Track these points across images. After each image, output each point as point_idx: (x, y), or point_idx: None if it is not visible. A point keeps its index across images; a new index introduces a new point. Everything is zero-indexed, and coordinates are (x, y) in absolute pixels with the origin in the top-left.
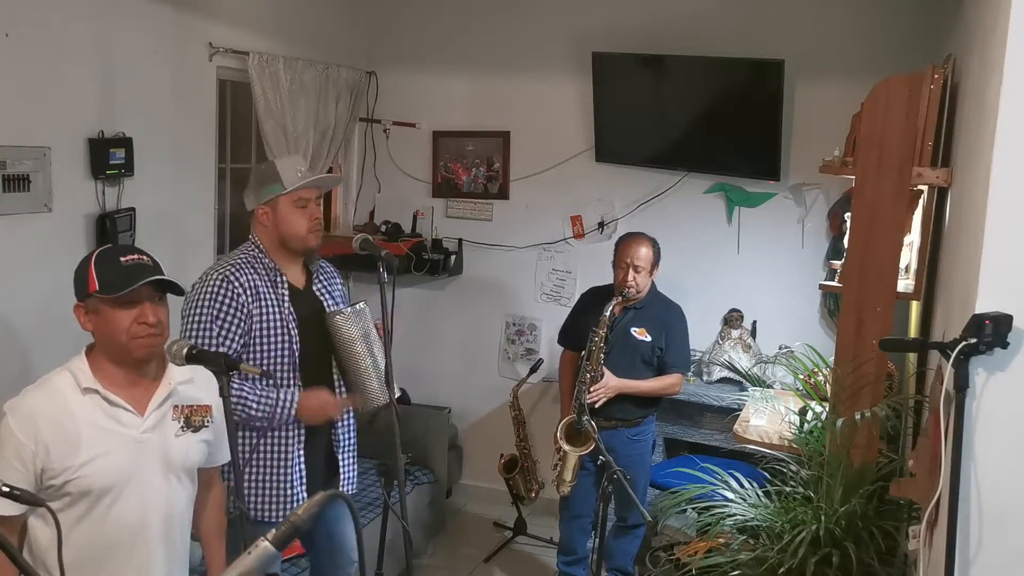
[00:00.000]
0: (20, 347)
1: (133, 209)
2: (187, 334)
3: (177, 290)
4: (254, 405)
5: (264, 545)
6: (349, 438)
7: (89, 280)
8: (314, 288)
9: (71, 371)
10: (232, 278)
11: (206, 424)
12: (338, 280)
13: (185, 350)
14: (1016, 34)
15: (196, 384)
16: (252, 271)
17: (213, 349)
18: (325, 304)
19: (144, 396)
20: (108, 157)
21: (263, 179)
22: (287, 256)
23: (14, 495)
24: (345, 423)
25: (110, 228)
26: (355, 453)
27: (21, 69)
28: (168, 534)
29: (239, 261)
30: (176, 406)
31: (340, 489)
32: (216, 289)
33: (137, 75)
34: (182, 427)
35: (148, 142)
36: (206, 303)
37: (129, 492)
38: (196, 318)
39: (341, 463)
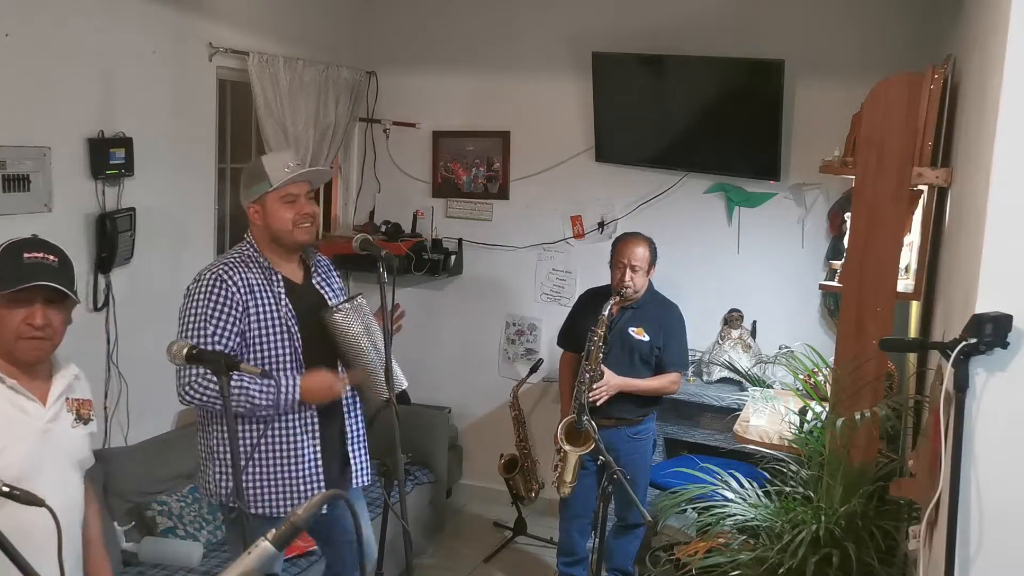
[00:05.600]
0: None
1: (133, 209)
2: (183, 334)
3: (71, 297)
4: (256, 392)
5: (264, 545)
6: (358, 431)
7: None
8: (313, 282)
9: None
10: (225, 276)
11: (91, 418)
12: (335, 273)
13: (185, 350)
14: (1016, 34)
15: (81, 380)
16: (246, 269)
17: (209, 349)
18: (326, 297)
19: (43, 387)
20: (108, 157)
21: (252, 177)
22: (281, 252)
23: (14, 495)
24: (352, 415)
25: (110, 228)
26: (365, 445)
27: (21, 69)
28: (72, 526)
29: (233, 260)
30: (67, 399)
31: (353, 483)
32: (209, 288)
33: (137, 75)
34: (75, 419)
35: (148, 142)
36: (200, 303)
37: (39, 484)
38: (191, 318)
39: (352, 456)
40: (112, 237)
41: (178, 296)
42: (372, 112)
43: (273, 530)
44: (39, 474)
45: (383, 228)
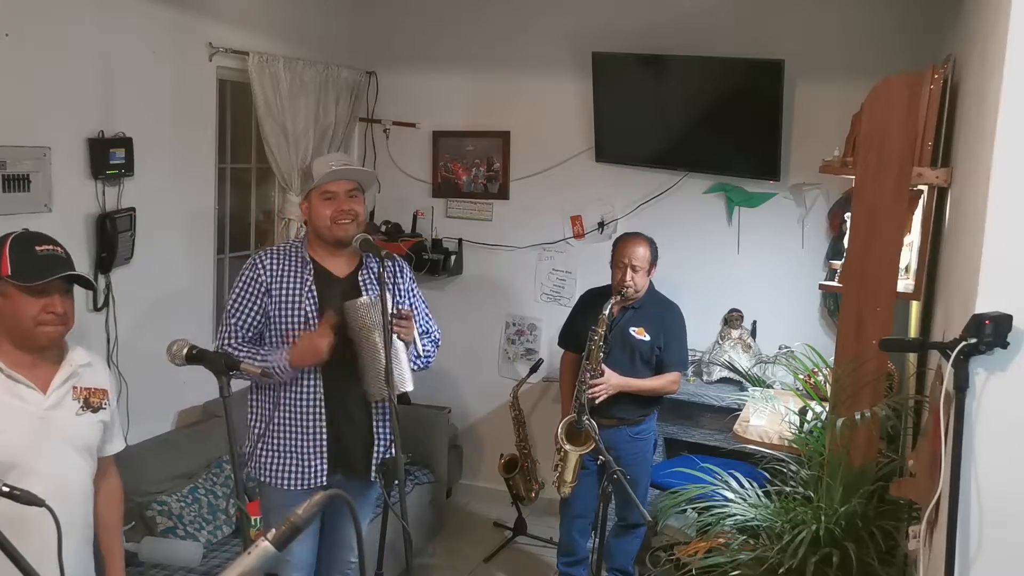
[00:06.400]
0: None
1: (133, 209)
2: (225, 310)
3: (87, 284)
4: (244, 353)
5: (264, 545)
6: (385, 428)
7: (2, 263)
8: (359, 277)
9: None
10: (258, 261)
11: (103, 406)
12: (404, 272)
13: (185, 351)
14: (1016, 34)
15: (94, 368)
16: (283, 256)
17: (232, 326)
18: (365, 292)
19: (46, 376)
20: (108, 157)
21: (304, 177)
22: (325, 246)
23: (14, 495)
24: (381, 413)
25: (110, 228)
26: (389, 442)
27: (21, 69)
28: (72, 511)
29: (276, 247)
30: (75, 387)
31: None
32: (245, 271)
33: (137, 75)
34: (82, 407)
35: (148, 142)
36: (237, 284)
37: (35, 468)
38: (229, 298)
39: (375, 452)
40: (112, 237)
41: (178, 296)
42: (372, 112)
43: (273, 530)
44: (36, 460)
45: (383, 228)
